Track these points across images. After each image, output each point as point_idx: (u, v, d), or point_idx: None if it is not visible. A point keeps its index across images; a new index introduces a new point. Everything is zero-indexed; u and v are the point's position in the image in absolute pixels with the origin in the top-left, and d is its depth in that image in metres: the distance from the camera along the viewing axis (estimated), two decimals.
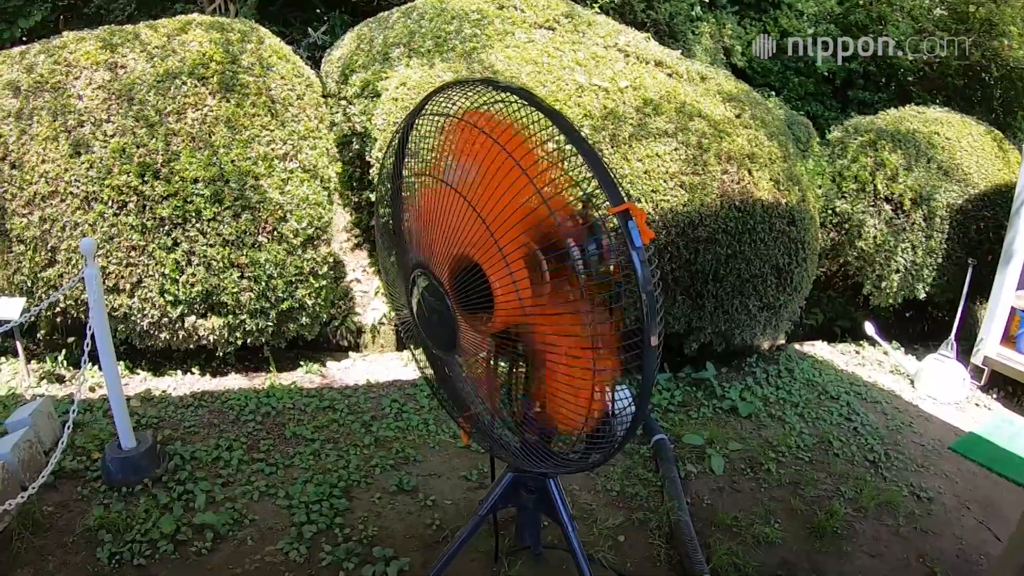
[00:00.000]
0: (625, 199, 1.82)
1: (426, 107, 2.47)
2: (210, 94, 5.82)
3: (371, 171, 6.37)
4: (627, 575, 3.62)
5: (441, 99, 2.42)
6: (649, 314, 1.73)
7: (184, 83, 5.79)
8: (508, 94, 2.21)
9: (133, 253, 5.42)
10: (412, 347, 3.07)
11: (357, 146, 6.84)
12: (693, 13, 10.77)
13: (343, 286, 6.76)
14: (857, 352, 7.43)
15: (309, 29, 9.41)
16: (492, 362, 2.40)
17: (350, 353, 6.60)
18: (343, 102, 7.07)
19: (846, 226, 7.21)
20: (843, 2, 11.40)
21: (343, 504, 3.96)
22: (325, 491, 4.06)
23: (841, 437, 5.40)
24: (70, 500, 4.07)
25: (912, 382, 6.85)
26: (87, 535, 3.77)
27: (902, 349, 7.49)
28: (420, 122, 2.51)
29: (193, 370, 5.86)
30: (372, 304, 6.88)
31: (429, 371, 2.96)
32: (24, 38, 8.19)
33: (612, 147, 5.81)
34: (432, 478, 4.28)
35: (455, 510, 3.99)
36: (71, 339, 6.19)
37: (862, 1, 11.06)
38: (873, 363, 7.21)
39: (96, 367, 5.62)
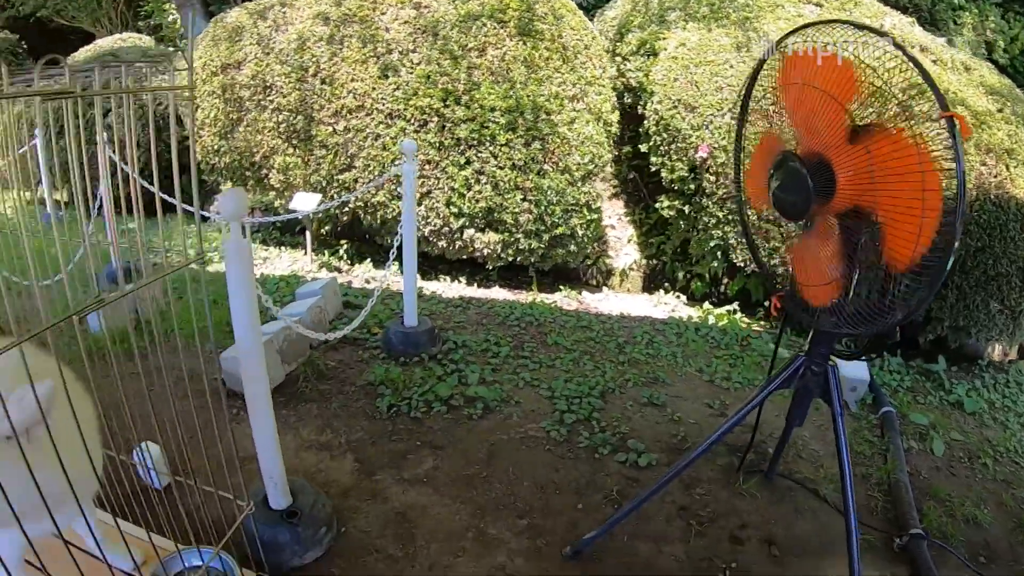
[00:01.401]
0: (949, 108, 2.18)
1: (792, 36, 2.78)
2: (508, 36, 6.28)
3: (644, 123, 6.66)
4: None
5: (808, 32, 2.72)
6: (960, 183, 2.09)
7: (484, 24, 6.28)
8: (867, 32, 2.51)
9: (427, 167, 5.98)
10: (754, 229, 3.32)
11: (629, 100, 7.14)
12: (956, 2, 10.36)
13: (600, 228, 7.09)
14: None
15: None
16: (826, 238, 2.67)
17: (603, 288, 6.97)
18: (617, 58, 7.40)
19: None
20: None
21: (599, 404, 4.31)
22: (584, 390, 4.42)
23: None
24: (351, 361, 4.66)
25: None
26: (367, 388, 4.32)
27: None
28: (787, 47, 2.82)
29: (460, 279, 6.41)
30: (624, 249, 7.21)
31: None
32: None
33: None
34: (678, 399, 4.56)
35: (697, 429, 4.25)
36: (343, 242, 6.88)
37: None
38: None
39: (369, 261, 6.29)
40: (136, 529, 2.73)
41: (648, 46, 7.03)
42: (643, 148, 6.80)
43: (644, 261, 7.16)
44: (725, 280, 6.83)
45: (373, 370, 4.44)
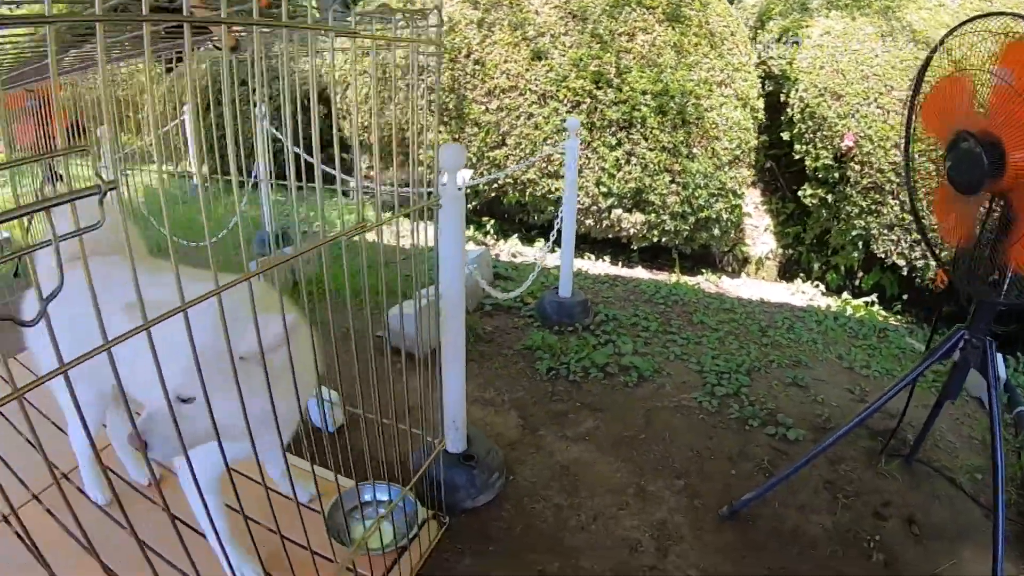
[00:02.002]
0: None
1: (965, 26, 2.88)
2: (657, 22, 6.42)
3: (788, 111, 6.73)
4: (981, 505, 3.82)
5: (977, 24, 2.83)
6: None
7: (633, 10, 6.43)
8: None
9: (579, 146, 6.18)
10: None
11: (770, 87, 7.21)
12: None
13: (742, 215, 7.18)
14: None
15: None
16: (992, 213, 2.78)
17: (741, 274, 7.08)
18: (758, 46, 7.47)
19: None
20: None
21: (746, 380, 4.45)
22: (731, 367, 4.57)
23: None
24: (506, 327, 4.96)
25: None
26: (524, 352, 4.61)
27: None
28: (959, 36, 2.92)
29: (604, 258, 6.59)
30: (761, 238, 7.29)
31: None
32: None
33: None
34: (820, 383, 4.65)
35: (840, 412, 4.34)
36: (486, 218, 7.14)
37: None
38: None
39: (516, 237, 6.51)
40: (303, 463, 3.02)
41: (790, 34, 7.10)
42: (785, 136, 6.87)
43: (780, 250, 7.23)
44: (860, 274, 6.85)
45: (530, 336, 4.71)
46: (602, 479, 3.40)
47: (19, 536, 2.60)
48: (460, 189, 2.65)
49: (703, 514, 3.23)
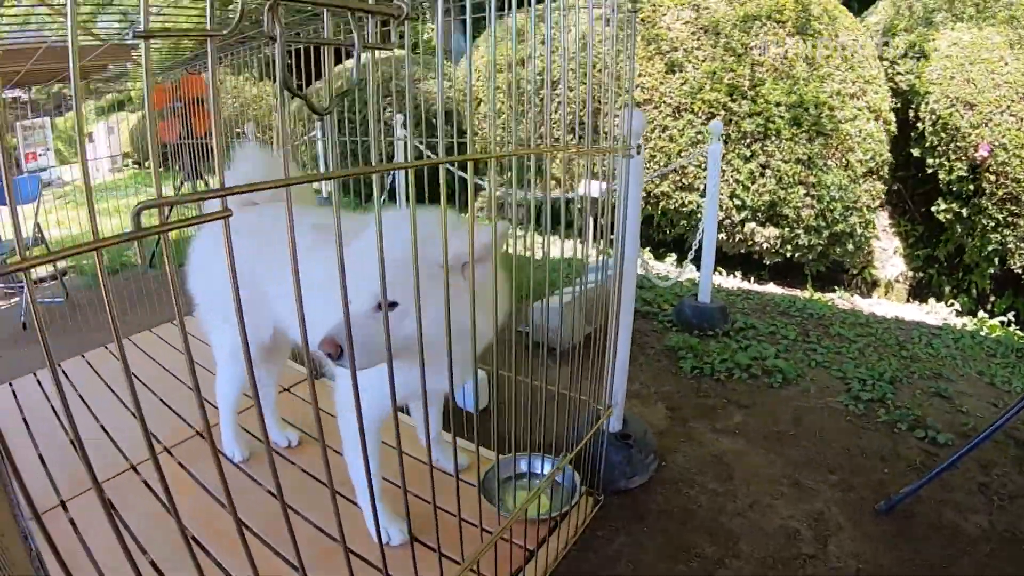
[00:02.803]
0: None
1: None
2: (788, 35, 6.48)
3: (919, 125, 6.69)
4: None
5: None
6: None
7: (764, 24, 6.50)
8: None
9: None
10: None
11: (897, 104, 7.16)
12: None
13: (875, 231, 7.14)
14: None
15: None
16: None
17: (872, 294, 7.03)
18: (884, 62, 7.45)
19: None
20: None
21: (889, 388, 4.43)
22: (874, 375, 4.56)
23: None
24: (646, 330, 5.05)
25: None
26: (667, 351, 4.71)
27: None
28: None
29: (735, 274, 6.61)
30: (891, 261, 7.22)
31: None
32: None
33: None
34: (962, 395, 4.59)
35: (985, 422, 4.27)
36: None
37: None
38: None
39: (648, 250, 6.56)
40: (450, 435, 3.11)
41: (917, 48, 7.08)
42: (915, 152, 6.81)
43: (910, 273, 7.16)
44: (992, 298, 6.74)
45: (671, 337, 4.80)
46: (755, 470, 3.44)
47: (146, 485, 2.79)
48: (639, 153, 2.74)
49: (859, 508, 3.24)
